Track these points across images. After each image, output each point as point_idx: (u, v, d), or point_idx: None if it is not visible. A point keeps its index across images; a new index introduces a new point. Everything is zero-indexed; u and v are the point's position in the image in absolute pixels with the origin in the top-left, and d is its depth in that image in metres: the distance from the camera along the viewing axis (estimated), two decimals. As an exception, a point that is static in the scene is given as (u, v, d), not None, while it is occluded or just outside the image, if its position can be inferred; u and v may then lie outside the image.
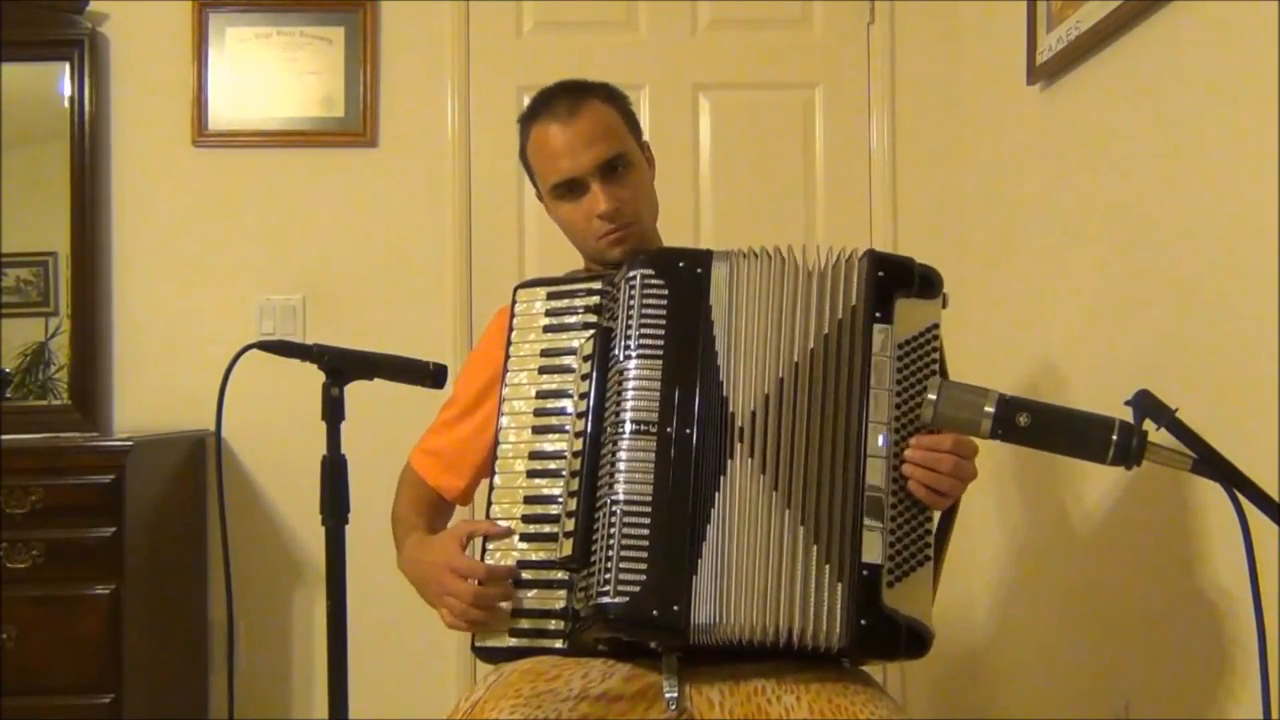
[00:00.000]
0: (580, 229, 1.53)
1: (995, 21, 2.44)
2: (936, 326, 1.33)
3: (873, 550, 1.24)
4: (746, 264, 1.37)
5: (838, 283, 1.34)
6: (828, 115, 2.71)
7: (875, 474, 1.26)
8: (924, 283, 1.34)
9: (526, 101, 1.59)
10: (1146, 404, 1.11)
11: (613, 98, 1.56)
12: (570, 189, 1.51)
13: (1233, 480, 1.07)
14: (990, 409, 1.13)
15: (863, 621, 1.23)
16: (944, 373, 1.35)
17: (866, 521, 1.25)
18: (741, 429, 1.30)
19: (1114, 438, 1.09)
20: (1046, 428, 1.13)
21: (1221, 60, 1.54)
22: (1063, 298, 2.08)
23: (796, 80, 2.71)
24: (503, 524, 1.40)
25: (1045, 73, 2.11)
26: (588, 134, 1.48)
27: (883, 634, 1.24)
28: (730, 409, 1.31)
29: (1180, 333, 1.64)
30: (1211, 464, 1.08)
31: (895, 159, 2.69)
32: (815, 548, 1.26)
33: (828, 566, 1.26)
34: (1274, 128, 1.39)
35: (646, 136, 1.62)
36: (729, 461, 1.30)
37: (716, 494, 1.29)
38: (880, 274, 1.32)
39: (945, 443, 1.27)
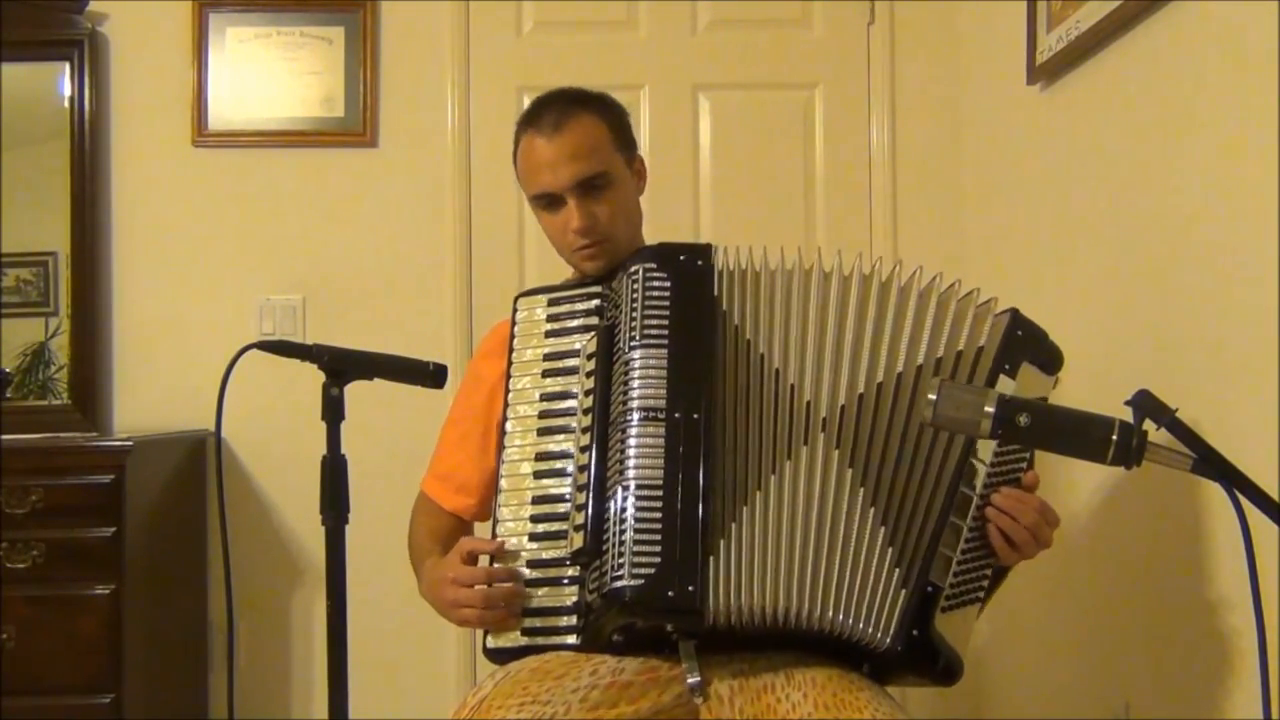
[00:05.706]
0: (558, 240, 1.55)
1: (995, 21, 2.44)
2: (1045, 400, 1.37)
3: (940, 572, 1.29)
4: (761, 257, 1.40)
5: (963, 318, 1.39)
6: (828, 115, 2.71)
7: (963, 505, 1.31)
8: (1049, 357, 1.40)
9: (527, 102, 1.59)
10: (1146, 404, 1.11)
11: (606, 111, 1.55)
12: (550, 201, 1.52)
13: (1233, 480, 1.07)
14: (990, 409, 1.12)
15: (914, 632, 1.27)
16: (1030, 457, 1.39)
17: (943, 545, 1.29)
18: (825, 419, 1.33)
19: (1114, 437, 1.09)
20: (1046, 428, 1.13)
21: (1221, 60, 1.54)
22: (1063, 298, 2.08)
23: (796, 80, 2.71)
24: (503, 532, 1.41)
25: (1045, 73, 2.11)
26: (569, 150, 1.48)
27: (927, 650, 1.28)
28: (806, 398, 1.34)
29: (1180, 333, 1.64)
30: (1211, 464, 1.08)
31: (895, 159, 2.69)
32: (891, 550, 1.30)
33: (898, 570, 1.29)
34: (1274, 128, 1.38)
35: (646, 138, 1.62)
36: (803, 448, 1.32)
37: (773, 477, 1.31)
38: (1019, 332, 1.38)
39: (1034, 500, 1.32)
